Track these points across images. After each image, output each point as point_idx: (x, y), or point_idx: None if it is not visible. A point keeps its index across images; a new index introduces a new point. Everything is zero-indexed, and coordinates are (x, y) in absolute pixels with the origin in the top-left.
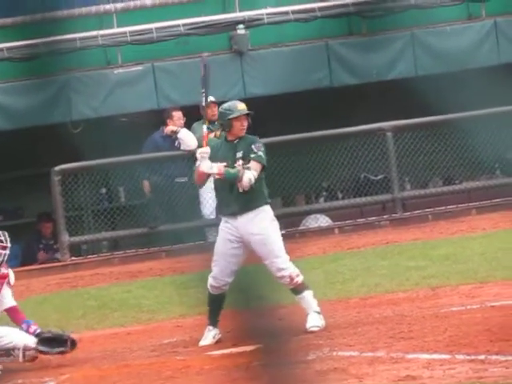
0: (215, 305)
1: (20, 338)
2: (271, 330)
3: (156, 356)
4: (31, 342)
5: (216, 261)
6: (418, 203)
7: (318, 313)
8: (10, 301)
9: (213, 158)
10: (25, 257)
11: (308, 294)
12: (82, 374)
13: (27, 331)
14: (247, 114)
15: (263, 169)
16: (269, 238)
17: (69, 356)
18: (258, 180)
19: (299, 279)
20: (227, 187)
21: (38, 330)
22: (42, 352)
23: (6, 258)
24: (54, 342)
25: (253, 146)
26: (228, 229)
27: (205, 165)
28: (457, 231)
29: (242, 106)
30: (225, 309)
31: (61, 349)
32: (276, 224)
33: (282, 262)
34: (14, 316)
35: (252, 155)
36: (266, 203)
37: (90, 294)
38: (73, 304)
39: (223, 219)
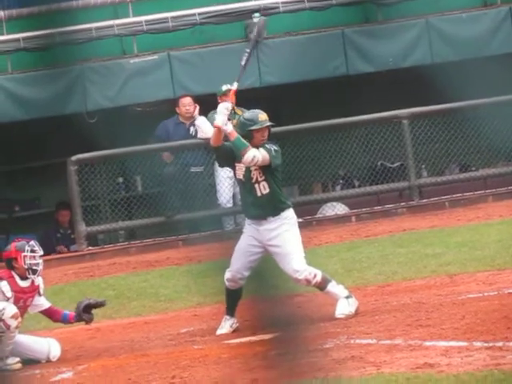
0: (232, 298)
1: (42, 353)
2: (289, 319)
3: (173, 345)
4: (52, 356)
5: (236, 256)
6: (435, 190)
7: (347, 297)
8: (44, 303)
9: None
10: (42, 247)
11: (331, 287)
12: (100, 364)
13: (69, 321)
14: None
15: (272, 169)
16: (286, 248)
17: (87, 346)
18: (277, 182)
19: (318, 279)
20: (247, 190)
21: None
22: (86, 320)
23: (41, 268)
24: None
25: (266, 145)
26: (251, 230)
27: (220, 119)
28: (474, 218)
29: (263, 117)
30: (243, 298)
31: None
32: (296, 230)
33: (297, 268)
34: (51, 316)
35: (265, 146)
36: (289, 206)
37: (108, 283)
38: (90, 294)
39: (247, 220)
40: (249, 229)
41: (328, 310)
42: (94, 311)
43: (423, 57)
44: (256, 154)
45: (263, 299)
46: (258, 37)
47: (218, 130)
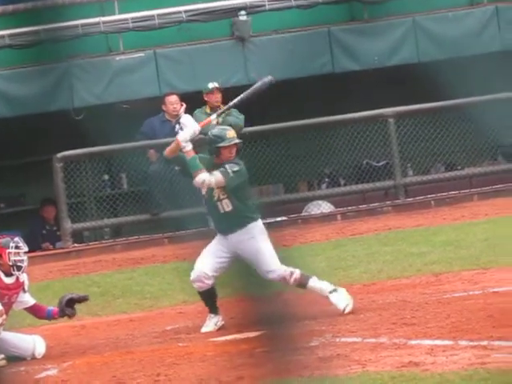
0: (207, 298)
1: (27, 350)
2: (276, 317)
3: (159, 343)
4: (37, 353)
5: (203, 256)
6: (421, 189)
7: (333, 291)
8: (29, 300)
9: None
10: (28, 243)
11: (313, 282)
12: (85, 361)
13: (53, 317)
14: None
15: (227, 188)
16: (258, 255)
17: (72, 343)
18: (241, 199)
19: (296, 276)
20: (211, 206)
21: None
22: (69, 315)
23: (26, 264)
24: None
25: (226, 165)
26: (221, 238)
27: (183, 135)
28: (459, 217)
29: (231, 134)
30: (230, 295)
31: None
32: (263, 237)
33: (269, 268)
34: (36, 313)
35: (221, 169)
36: (255, 220)
37: (93, 280)
38: (75, 291)
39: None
40: (219, 236)
41: (313, 308)
42: (78, 308)
43: (409, 55)
44: (206, 179)
45: (251, 297)
46: (256, 92)
47: (177, 144)
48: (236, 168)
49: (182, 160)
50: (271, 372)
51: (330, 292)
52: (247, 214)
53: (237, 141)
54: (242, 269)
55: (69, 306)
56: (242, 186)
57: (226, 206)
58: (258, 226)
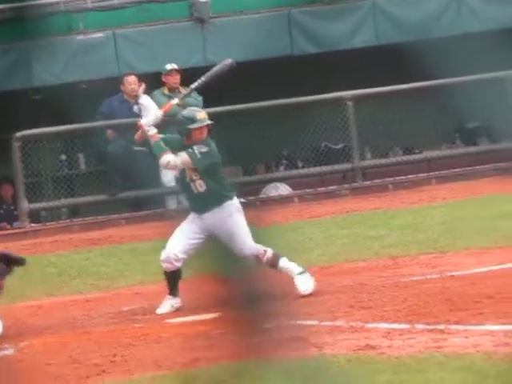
0: (171, 279)
1: None
2: (235, 298)
3: (115, 323)
4: None
5: (175, 237)
6: (379, 172)
7: (301, 273)
8: None
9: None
10: None
11: (283, 262)
12: (42, 341)
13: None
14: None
15: (197, 169)
16: (234, 233)
17: (28, 323)
18: (215, 179)
19: (268, 255)
20: (185, 187)
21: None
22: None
23: None
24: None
25: (194, 147)
26: (195, 218)
27: (145, 120)
28: (417, 200)
29: (202, 115)
30: (192, 275)
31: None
32: (239, 216)
33: (243, 246)
34: None
35: (188, 150)
36: (231, 198)
37: (50, 261)
38: (32, 271)
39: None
40: (193, 215)
41: (272, 290)
42: (35, 288)
43: (369, 38)
44: (171, 160)
45: (212, 278)
46: (216, 74)
47: (141, 129)
48: (204, 149)
49: (149, 143)
50: (227, 354)
51: (298, 273)
52: (223, 193)
53: (208, 122)
54: (212, 249)
55: (7, 265)
56: (214, 167)
57: (200, 186)
58: (233, 205)
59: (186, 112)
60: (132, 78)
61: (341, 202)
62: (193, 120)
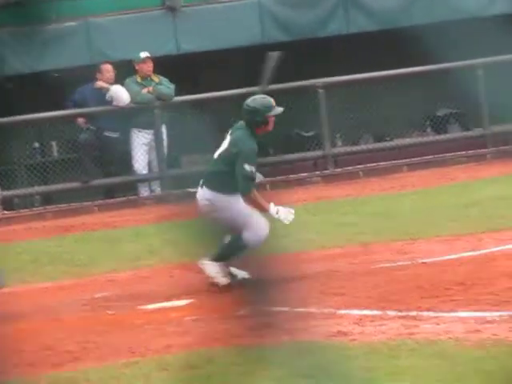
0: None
1: None
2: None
3: (88, 310)
4: None
5: (260, 216)
6: (350, 160)
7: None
8: None
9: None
10: None
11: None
12: (14, 328)
13: None
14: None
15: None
16: None
17: (0, 310)
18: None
19: None
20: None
21: None
22: None
23: None
24: None
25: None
26: None
27: (277, 210)
28: (388, 188)
29: (273, 102)
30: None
31: None
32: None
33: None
34: None
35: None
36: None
37: (23, 248)
38: (5, 258)
39: None
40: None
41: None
42: (8, 275)
43: (339, 27)
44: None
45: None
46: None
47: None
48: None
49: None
50: (200, 340)
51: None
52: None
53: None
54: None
55: None
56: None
57: None
58: None
59: (258, 101)
60: (109, 66)
61: (312, 189)
62: (270, 107)
